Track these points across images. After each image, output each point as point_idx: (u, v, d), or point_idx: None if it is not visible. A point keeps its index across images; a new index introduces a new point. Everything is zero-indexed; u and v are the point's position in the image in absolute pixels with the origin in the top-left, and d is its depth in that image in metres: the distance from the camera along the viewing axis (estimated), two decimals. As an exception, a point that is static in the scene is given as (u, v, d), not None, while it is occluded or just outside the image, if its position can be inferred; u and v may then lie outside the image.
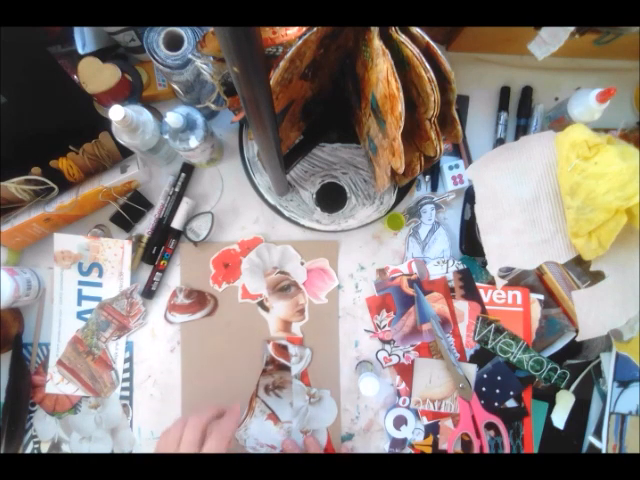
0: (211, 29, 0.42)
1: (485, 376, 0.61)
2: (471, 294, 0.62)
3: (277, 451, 0.61)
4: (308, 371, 0.63)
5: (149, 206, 0.63)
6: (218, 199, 0.64)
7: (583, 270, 0.59)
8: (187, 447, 0.45)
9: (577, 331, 0.58)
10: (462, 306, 0.62)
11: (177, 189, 0.62)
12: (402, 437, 0.61)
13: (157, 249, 0.62)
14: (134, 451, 0.62)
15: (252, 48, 0.26)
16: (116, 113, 0.48)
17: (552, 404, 0.62)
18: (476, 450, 0.60)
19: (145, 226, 0.63)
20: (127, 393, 0.62)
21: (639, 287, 0.56)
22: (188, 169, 0.63)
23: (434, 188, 0.65)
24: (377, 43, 0.39)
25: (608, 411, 0.61)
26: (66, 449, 0.62)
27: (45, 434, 0.62)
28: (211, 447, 0.46)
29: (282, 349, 0.62)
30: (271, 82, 0.40)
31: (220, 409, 0.51)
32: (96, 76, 0.54)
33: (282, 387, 0.62)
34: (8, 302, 0.56)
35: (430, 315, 0.61)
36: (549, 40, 0.49)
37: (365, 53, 0.43)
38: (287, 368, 0.62)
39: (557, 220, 0.56)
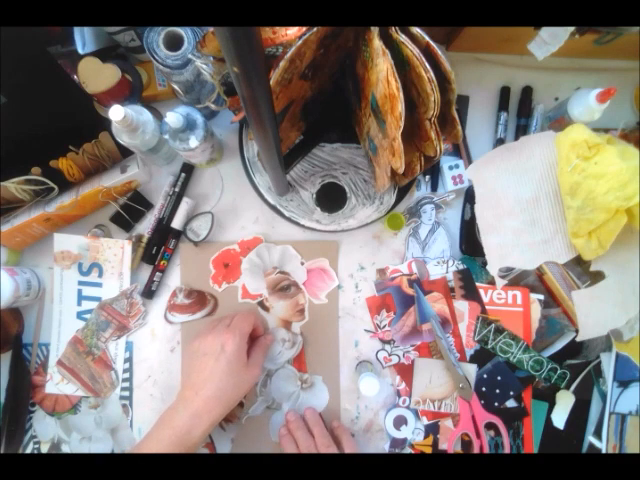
0: (211, 29, 0.42)
1: (485, 376, 0.61)
2: (471, 294, 0.62)
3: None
4: (308, 371, 0.63)
5: (149, 206, 0.63)
6: (218, 199, 0.64)
7: (583, 270, 0.59)
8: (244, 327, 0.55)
9: (577, 331, 0.58)
10: (462, 306, 0.62)
11: (177, 189, 0.62)
12: (402, 437, 0.61)
13: (157, 249, 0.62)
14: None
15: (252, 48, 0.26)
16: (116, 113, 0.48)
17: (552, 404, 0.62)
18: (476, 450, 0.60)
19: (145, 226, 0.63)
20: (127, 393, 0.62)
21: (639, 287, 0.56)
22: (188, 169, 0.63)
23: (434, 188, 0.65)
24: (377, 43, 0.39)
25: (608, 411, 0.61)
26: (66, 449, 0.62)
27: (45, 434, 0.62)
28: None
29: None
30: (271, 82, 0.40)
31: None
32: (96, 76, 0.54)
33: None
34: (8, 302, 0.56)
35: (430, 315, 0.61)
36: (549, 40, 0.49)
37: (365, 53, 0.43)
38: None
39: (557, 220, 0.56)
